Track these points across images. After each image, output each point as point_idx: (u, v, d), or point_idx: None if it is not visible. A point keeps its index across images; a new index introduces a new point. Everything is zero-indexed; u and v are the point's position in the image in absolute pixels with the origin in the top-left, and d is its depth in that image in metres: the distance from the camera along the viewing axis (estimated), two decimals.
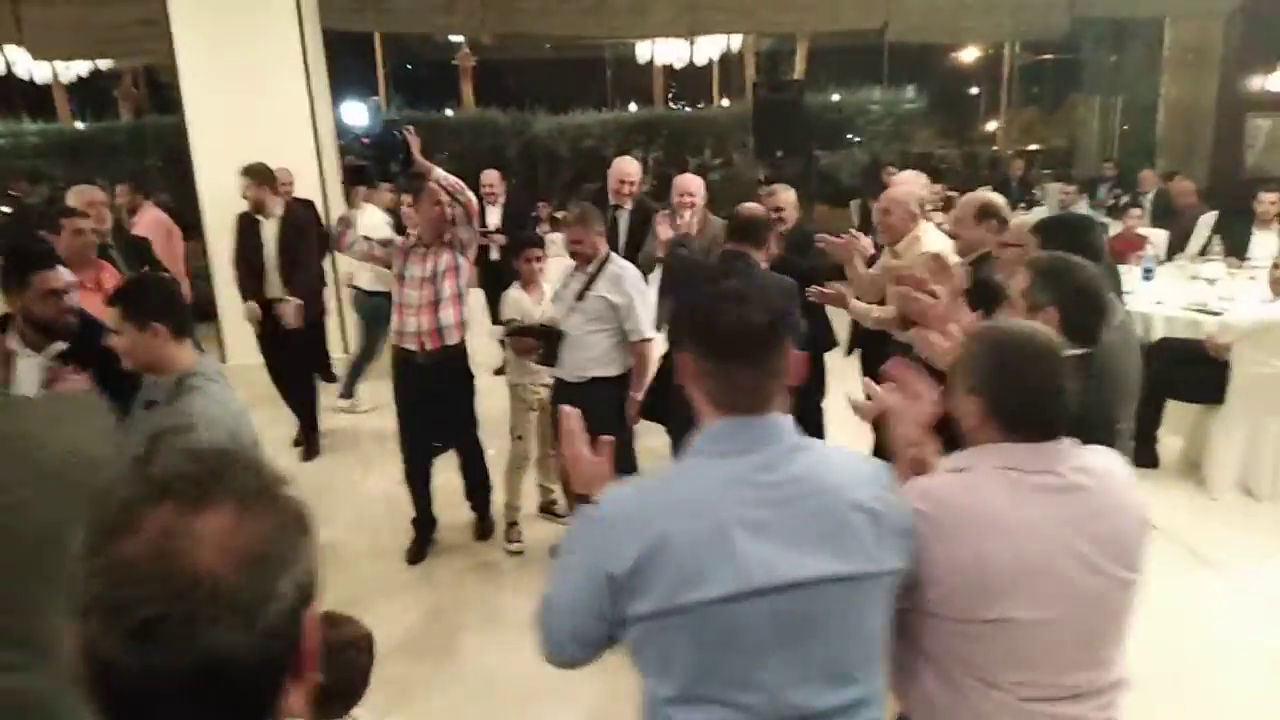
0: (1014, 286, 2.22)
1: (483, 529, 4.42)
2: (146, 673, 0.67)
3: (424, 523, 4.31)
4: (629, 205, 5.28)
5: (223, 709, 0.70)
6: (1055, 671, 1.52)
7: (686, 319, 1.46)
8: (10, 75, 11.66)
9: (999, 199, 3.54)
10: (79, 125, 12.90)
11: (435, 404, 4.12)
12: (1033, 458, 1.54)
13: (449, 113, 14.28)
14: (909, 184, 4.23)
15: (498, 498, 4.39)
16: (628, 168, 5.30)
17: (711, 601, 1.29)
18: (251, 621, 0.69)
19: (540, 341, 3.78)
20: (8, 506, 1.65)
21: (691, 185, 4.83)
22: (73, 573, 0.70)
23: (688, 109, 13.94)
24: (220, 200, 6.15)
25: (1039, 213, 6.76)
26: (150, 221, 6.31)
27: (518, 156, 11.12)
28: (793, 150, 7.43)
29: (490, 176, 6.50)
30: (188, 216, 8.53)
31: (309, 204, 6.20)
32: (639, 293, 3.76)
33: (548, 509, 4.55)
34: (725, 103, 15.16)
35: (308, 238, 5.43)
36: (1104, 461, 1.61)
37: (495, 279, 6.01)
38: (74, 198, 4.74)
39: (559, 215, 8.05)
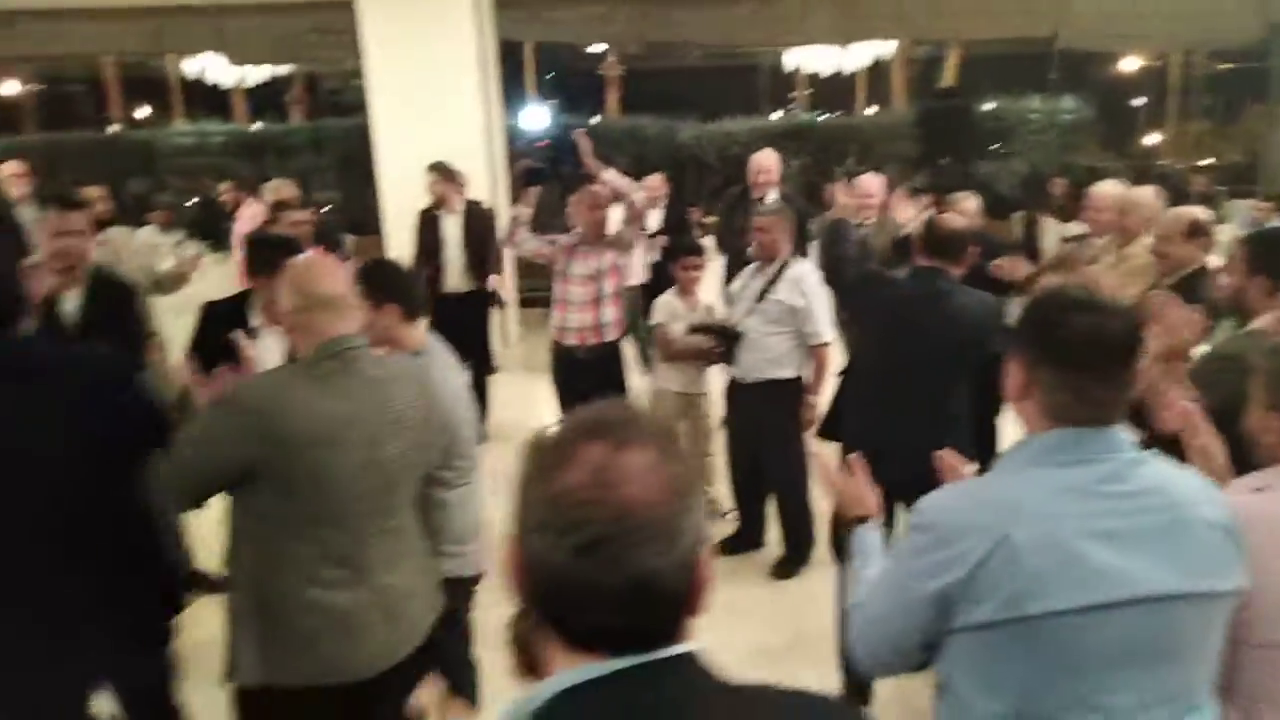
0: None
1: None
2: (588, 585, 0.78)
3: None
4: (769, 197, 5.37)
5: (645, 623, 0.81)
6: None
7: (1030, 326, 1.38)
8: (199, 81, 12.81)
9: (1206, 214, 3.40)
10: (255, 127, 13.83)
11: (594, 397, 4.24)
12: None
13: (594, 120, 14.63)
14: (1149, 200, 3.98)
15: None
16: (765, 160, 5.41)
17: (1057, 614, 1.23)
18: (672, 548, 0.79)
19: (718, 340, 3.85)
20: (372, 441, 1.94)
21: (872, 186, 4.81)
22: (515, 498, 0.83)
23: (832, 117, 13.76)
24: (399, 199, 6.50)
25: (1226, 230, 6.37)
26: (253, 217, 6.68)
27: (663, 163, 11.27)
28: (958, 159, 7.27)
29: (654, 180, 6.64)
30: (356, 215, 9.08)
31: (478, 204, 6.50)
32: (819, 296, 3.78)
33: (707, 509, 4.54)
34: (870, 111, 14.94)
35: (490, 233, 5.71)
36: None
37: (653, 281, 6.16)
38: (271, 193, 5.13)
39: (706, 221, 8.12)
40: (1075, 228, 6.11)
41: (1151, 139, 14.65)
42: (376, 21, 6.59)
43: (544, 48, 14.18)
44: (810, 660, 3.26)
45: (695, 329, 3.93)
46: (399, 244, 6.32)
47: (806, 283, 3.76)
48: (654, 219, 6.56)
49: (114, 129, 13.95)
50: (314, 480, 1.89)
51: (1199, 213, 3.38)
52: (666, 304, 4.26)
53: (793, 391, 3.84)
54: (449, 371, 2.57)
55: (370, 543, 2.01)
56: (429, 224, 5.59)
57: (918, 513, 1.37)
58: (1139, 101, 15.81)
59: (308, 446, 1.87)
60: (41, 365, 1.93)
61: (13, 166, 5.93)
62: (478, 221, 5.63)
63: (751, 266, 4.00)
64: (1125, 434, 1.33)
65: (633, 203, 4.02)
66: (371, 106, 6.80)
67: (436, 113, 6.58)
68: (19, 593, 1.90)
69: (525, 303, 8.22)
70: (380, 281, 2.48)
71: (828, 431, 3.80)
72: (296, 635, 1.96)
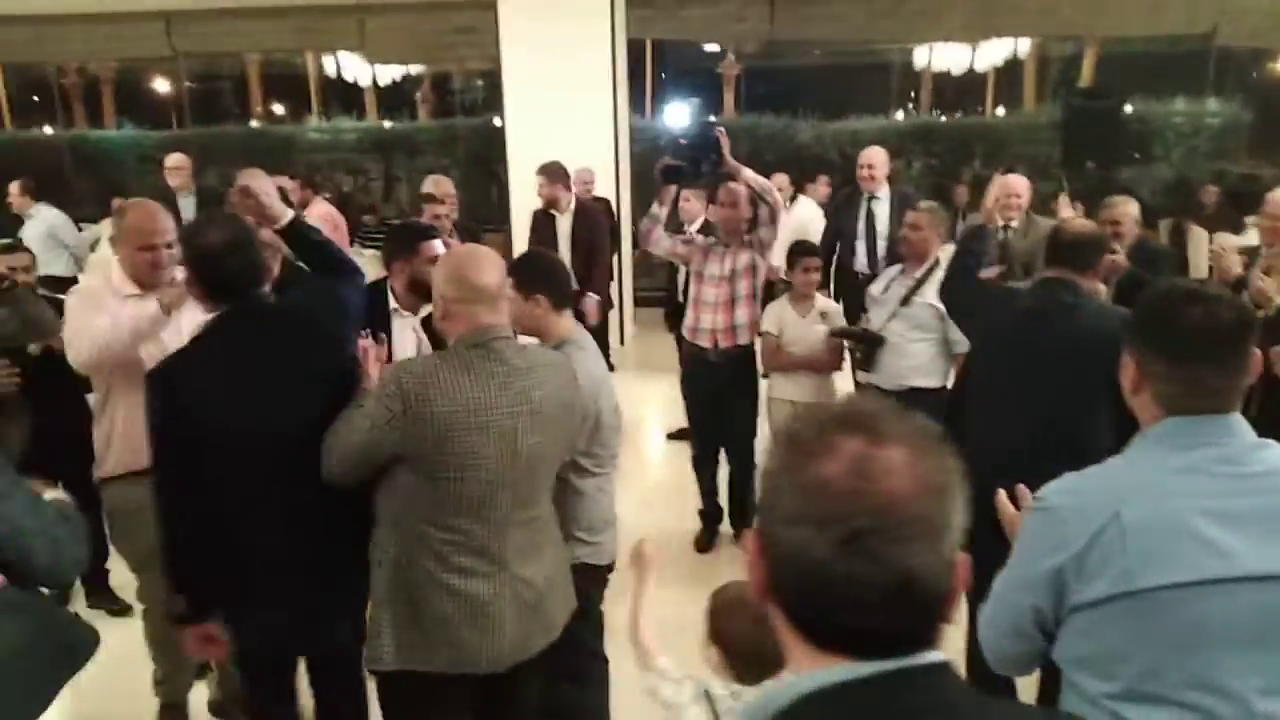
0: None
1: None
2: (850, 579, 0.74)
3: (711, 512, 4.41)
4: (882, 194, 5.23)
5: (904, 624, 0.77)
6: None
7: (1142, 319, 1.43)
8: (338, 78, 13.37)
9: None
10: (386, 125, 14.32)
11: (723, 400, 4.19)
12: None
13: (713, 119, 14.57)
14: None
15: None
16: (872, 155, 5.33)
17: (1169, 587, 1.25)
18: (936, 545, 0.76)
19: (859, 346, 3.75)
20: (513, 430, 1.96)
21: (1018, 186, 4.60)
22: (767, 486, 0.81)
23: (960, 117, 13.33)
24: (527, 196, 6.62)
25: None
26: (319, 215, 6.80)
27: (780, 162, 11.14)
28: (1105, 163, 6.92)
29: (780, 179, 6.55)
30: (481, 212, 9.28)
31: (605, 202, 6.55)
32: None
33: None
34: (1000, 111, 14.39)
35: (600, 234, 5.73)
36: None
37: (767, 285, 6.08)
38: (431, 185, 5.29)
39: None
40: (1239, 239, 5.74)
41: None
42: (516, 21, 6.72)
43: (661, 46, 14.25)
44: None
45: (835, 334, 3.83)
46: (525, 241, 6.44)
47: None
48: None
49: (255, 124, 14.67)
50: (456, 466, 1.92)
51: None
52: (777, 311, 4.09)
53: (935, 402, 3.70)
54: (594, 361, 2.57)
55: (509, 533, 2.03)
56: (543, 223, 5.67)
57: (1038, 499, 1.40)
58: None
59: (451, 432, 1.90)
60: (291, 318, 2.24)
61: (176, 159, 6.29)
62: (583, 223, 5.65)
63: (894, 268, 3.88)
64: (1242, 420, 1.34)
65: (775, 201, 3.95)
66: (506, 104, 6.94)
67: (568, 112, 6.67)
68: (293, 524, 2.12)
69: (640, 301, 8.26)
70: (532, 273, 2.54)
71: None
72: (433, 622, 1.99)
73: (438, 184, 4.81)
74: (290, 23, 8.82)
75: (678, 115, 9.12)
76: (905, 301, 3.66)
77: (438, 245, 3.13)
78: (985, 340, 2.96)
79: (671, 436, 5.59)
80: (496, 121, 13.93)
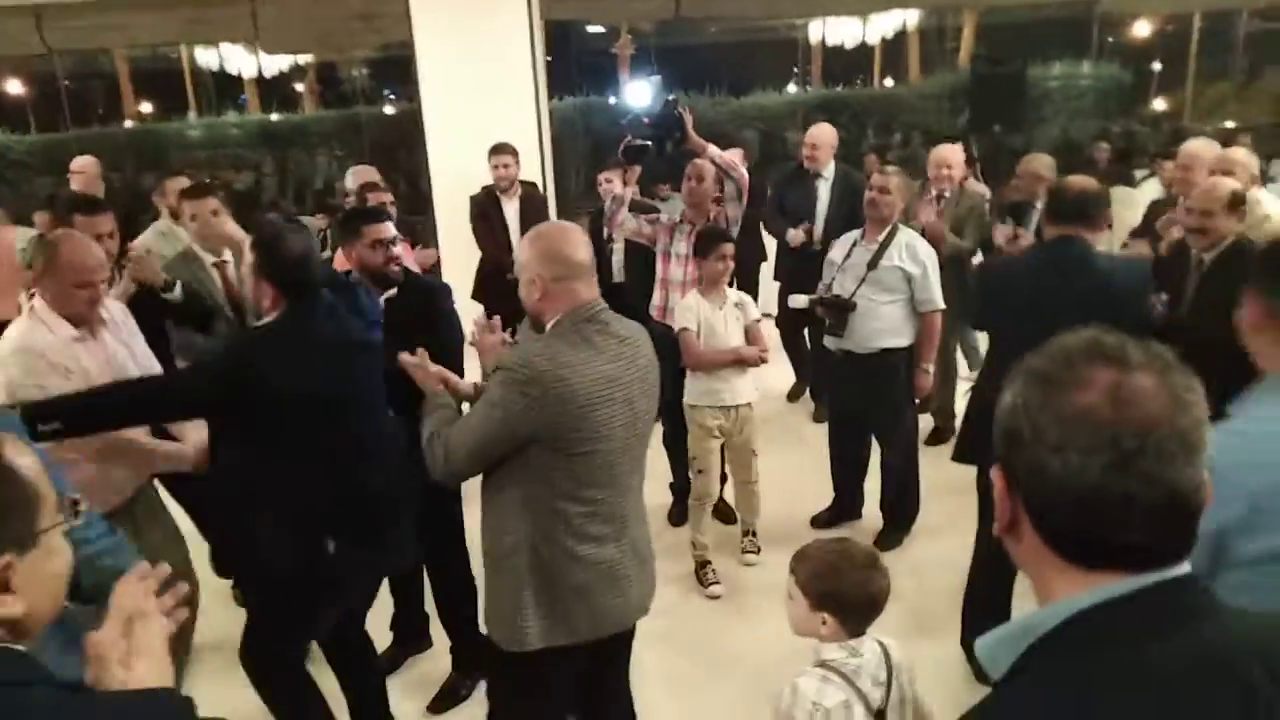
0: None
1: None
2: (1125, 499, 0.79)
3: (681, 488, 4.44)
4: (827, 172, 5.34)
5: (1172, 539, 0.82)
6: None
7: (1270, 260, 1.47)
8: (220, 71, 12.72)
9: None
10: (273, 117, 13.72)
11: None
12: None
13: (612, 100, 14.51)
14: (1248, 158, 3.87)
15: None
16: (820, 134, 5.36)
17: None
18: (1194, 461, 0.80)
19: (831, 312, 3.82)
20: (631, 398, 2.05)
21: (950, 156, 4.76)
22: (1017, 423, 0.84)
23: (856, 89, 13.69)
24: (448, 183, 6.48)
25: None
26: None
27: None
28: (1011, 127, 7.22)
29: (735, 154, 6.55)
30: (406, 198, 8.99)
31: (533, 184, 6.46)
32: (932, 260, 3.76)
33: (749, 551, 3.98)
34: (888, 83, 14.85)
35: (546, 216, 5.67)
36: None
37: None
38: (352, 179, 5.13)
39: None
40: (1150, 190, 6.08)
41: (1159, 104, 14.49)
42: (428, 3, 6.52)
43: (550, 27, 14.07)
44: (926, 631, 3.27)
45: (814, 303, 3.88)
46: (448, 227, 6.31)
47: (919, 248, 3.74)
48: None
49: (129, 124, 13.81)
50: (590, 439, 1.99)
51: (1236, 183, 3.19)
52: (691, 305, 3.73)
53: (905, 360, 3.82)
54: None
55: (629, 497, 2.15)
56: (489, 207, 5.51)
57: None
58: (1156, 66, 15.67)
59: (589, 406, 1.97)
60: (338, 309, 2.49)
61: (82, 163, 5.83)
62: (534, 203, 5.58)
63: (853, 233, 3.96)
64: None
65: (739, 178, 3.98)
66: (421, 89, 6.74)
67: (488, 95, 6.53)
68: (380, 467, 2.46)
69: None
70: None
71: (963, 454, 3.18)
72: (573, 593, 2.07)
73: (368, 174, 4.67)
74: (177, 14, 8.34)
75: (637, 94, 9.07)
76: (872, 265, 3.75)
77: (385, 228, 3.12)
78: (1001, 315, 2.96)
79: None
80: (388, 109, 13.70)
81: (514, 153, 5.50)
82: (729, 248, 3.69)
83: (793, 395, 6.05)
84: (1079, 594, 0.82)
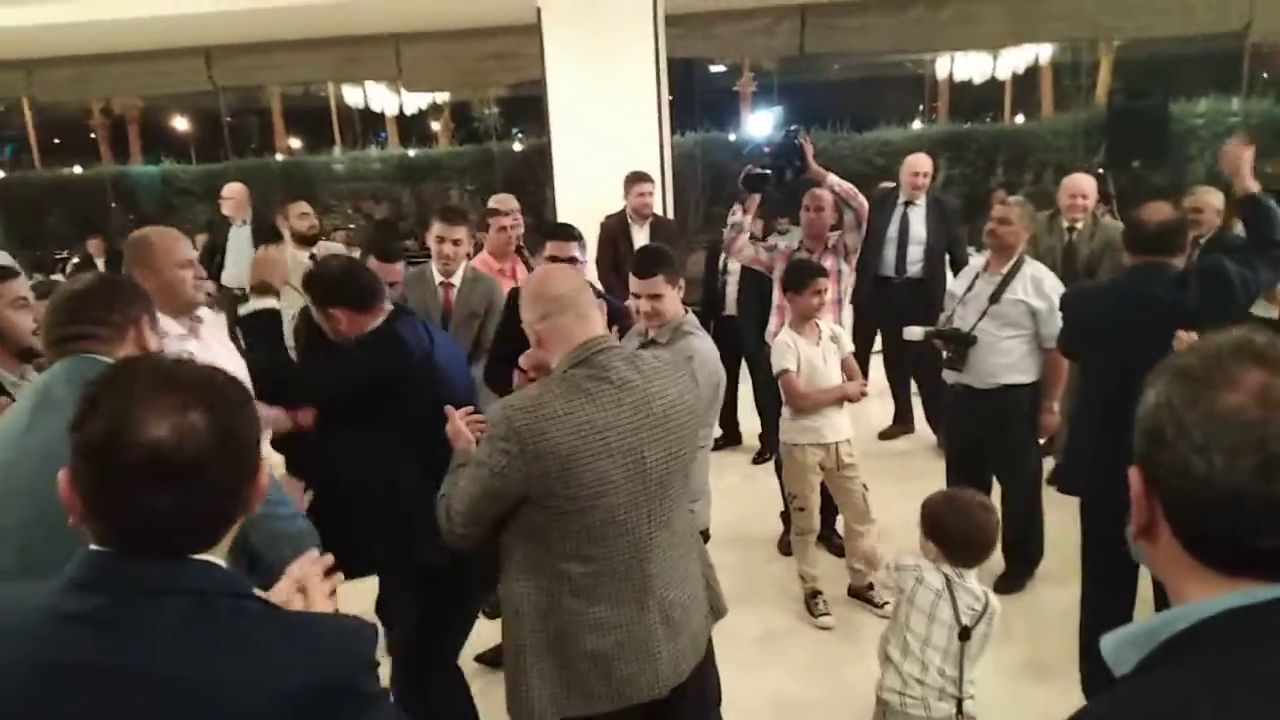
0: None
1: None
2: (1268, 505, 0.77)
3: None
4: (921, 200, 5.37)
5: None
6: None
7: None
8: (364, 108, 13.55)
9: None
10: (410, 152, 14.47)
11: None
12: None
13: (731, 136, 14.66)
14: None
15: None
16: (920, 162, 5.40)
17: None
18: None
19: (950, 345, 3.77)
20: (635, 446, 1.90)
21: (1085, 186, 4.65)
22: (1160, 421, 0.84)
23: (984, 125, 13.40)
24: (572, 215, 6.67)
25: None
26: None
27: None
28: (1152, 162, 6.92)
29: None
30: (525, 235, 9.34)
31: (663, 217, 6.61)
32: (1058, 296, 3.66)
33: (859, 594, 3.85)
34: (1019, 119, 14.46)
35: (676, 243, 5.78)
36: None
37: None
38: (496, 202, 5.39)
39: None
40: None
41: None
42: (561, 42, 6.79)
43: (675, 65, 14.35)
44: (1049, 676, 3.18)
45: (930, 336, 3.83)
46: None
47: (1046, 283, 3.65)
48: None
49: (279, 157, 14.83)
50: (587, 496, 1.83)
51: None
52: (788, 343, 3.65)
53: (1029, 397, 3.72)
54: (708, 340, 2.82)
55: (652, 555, 1.95)
56: (619, 233, 5.67)
57: None
58: None
59: (574, 462, 1.81)
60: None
61: (232, 189, 6.37)
62: (665, 230, 5.72)
63: (975, 264, 3.90)
64: None
65: (859, 207, 3.99)
66: (551, 125, 7.00)
67: (614, 131, 6.73)
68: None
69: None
70: (667, 257, 2.86)
71: (1068, 484, 3.17)
72: (586, 661, 1.91)
73: (502, 201, 4.93)
74: (331, 54, 8.94)
75: (758, 124, 9.29)
76: (995, 299, 3.68)
77: (570, 247, 3.39)
78: (1092, 339, 2.96)
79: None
80: (516, 146, 14.23)
81: (652, 181, 5.66)
82: (823, 281, 3.63)
83: (886, 434, 5.91)
84: (1214, 598, 0.81)
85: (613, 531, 1.88)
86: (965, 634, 2.29)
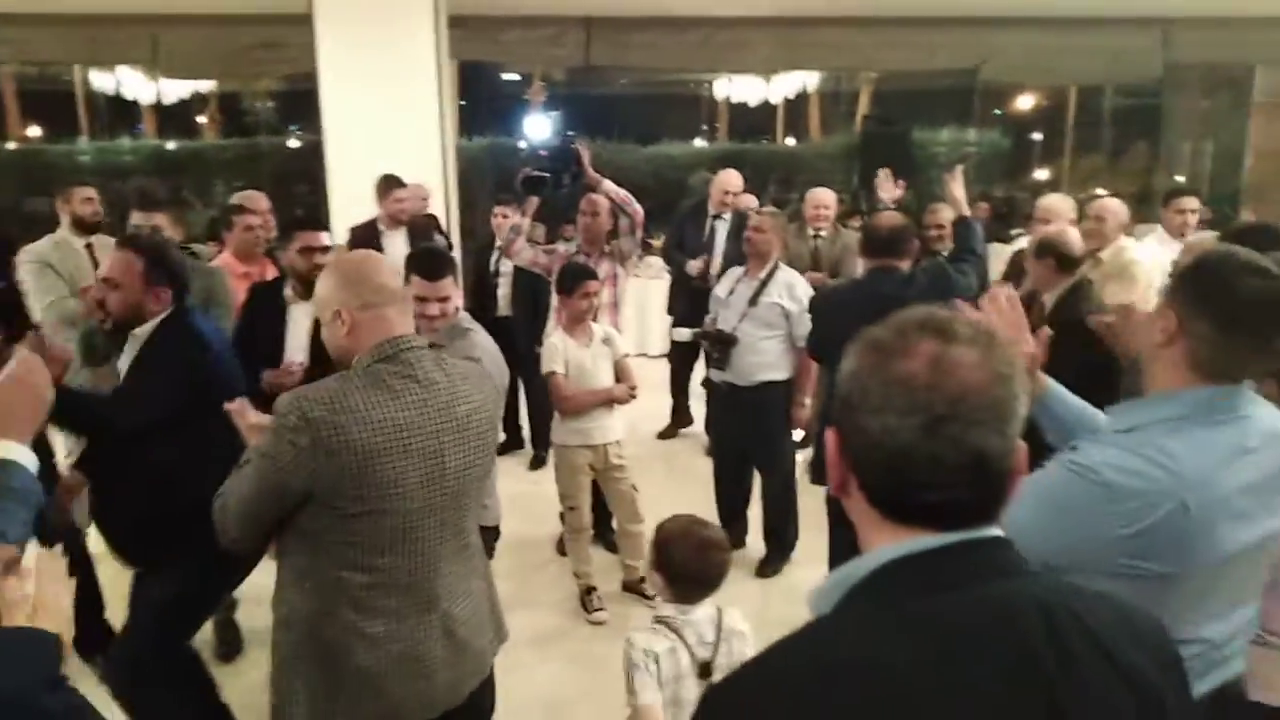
0: None
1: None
2: (932, 459, 0.86)
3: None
4: (728, 215, 5.65)
5: (978, 499, 0.89)
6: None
7: (1197, 283, 1.43)
8: (115, 95, 12.35)
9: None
10: (169, 145, 13.36)
11: None
12: None
13: (521, 143, 14.69)
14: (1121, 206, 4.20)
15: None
16: (730, 179, 5.66)
17: (1208, 566, 1.36)
18: (1005, 429, 0.87)
19: (715, 346, 3.96)
20: (436, 451, 1.80)
21: (826, 199, 5.07)
22: (850, 386, 0.92)
23: (760, 144, 14.24)
24: (349, 215, 6.43)
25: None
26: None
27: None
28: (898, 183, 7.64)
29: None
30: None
31: (434, 218, 6.48)
32: (809, 299, 3.94)
33: (633, 588, 3.93)
34: (790, 141, 15.48)
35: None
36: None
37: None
38: (242, 199, 5.03)
39: (650, 241, 8.29)
40: (1020, 245, 6.53)
41: (1041, 174, 15.44)
42: (335, 35, 6.53)
43: (464, 70, 14.23)
44: None
45: (696, 336, 4.02)
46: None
47: (797, 287, 3.92)
48: None
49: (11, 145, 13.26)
50: (377, 498, 1.72)
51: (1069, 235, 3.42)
52: (557, 345, 3.66)
53: (784, 393, 3.98)
54: (487, 336, 2.81)
55: (440, 567, 1.84)
56: (366, 240, 5.38)
57: (1085, 467, 1.38)
58: (1037, 136, 16.68)
59: (372, 461, 1.69)
60: None
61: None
62: (419, 238, 5.54)
63: (736, 270, 4.13)
64: (1251, 387, 1.45)
65: (634, 212, 4.12)
66: (324, 120, 6.71)
67: (393, 129, 6.55)
68: None
69: None
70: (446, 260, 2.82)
71: (818, 475, 3.73)
72: (355, 677, 1.79)
73: (249, 198, 4.58)
74: (75, 33, 8.09)
75: (535, 128, 9.30)
76: (753, 302, 3.91)
77: (320, 236, 3.28)
78: (833, 339, 3.17)
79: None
80: (292, 143, 13.51)
81: (413, 186, 5.53)
82: (593, 284, 3.66)
83: (664, 434, 6.12)
84: (889, 546, 0.89)
85: (402, 539, 1.76)
86: (706, 670, 2.04)
